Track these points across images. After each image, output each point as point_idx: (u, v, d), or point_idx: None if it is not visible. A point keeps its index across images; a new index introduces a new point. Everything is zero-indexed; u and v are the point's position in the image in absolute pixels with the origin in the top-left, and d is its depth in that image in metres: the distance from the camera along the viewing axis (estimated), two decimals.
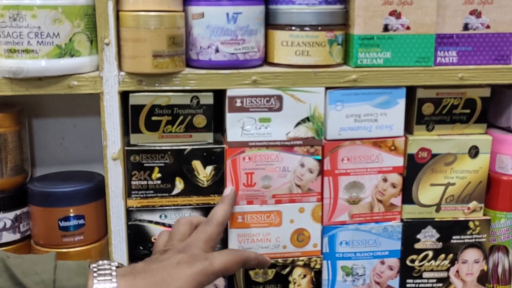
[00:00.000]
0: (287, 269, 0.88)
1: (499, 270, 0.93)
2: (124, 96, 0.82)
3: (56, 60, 0.76)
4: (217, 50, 0.80)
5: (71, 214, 0.83)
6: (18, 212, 0.86)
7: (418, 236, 0.90)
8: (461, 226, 0.90)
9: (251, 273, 0.87)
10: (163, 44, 0.76)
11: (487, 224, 0.91)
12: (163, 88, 0.80)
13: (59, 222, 0.83)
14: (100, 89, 0.79)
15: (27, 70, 0.75)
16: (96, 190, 0.85)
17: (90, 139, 1.01)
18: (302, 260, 0.88)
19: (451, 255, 0.91)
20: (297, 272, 0.88)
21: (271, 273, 0.87)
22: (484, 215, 0.91)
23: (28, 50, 0.75)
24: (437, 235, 0.90)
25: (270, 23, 0.83)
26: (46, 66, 0.76)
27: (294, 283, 0.88)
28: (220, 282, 0.87)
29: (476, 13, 0.84)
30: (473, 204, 0.90)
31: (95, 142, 0.99)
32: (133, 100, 0.81)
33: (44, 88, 0.78)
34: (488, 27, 0.85)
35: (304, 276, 0.88)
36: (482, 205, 0.91)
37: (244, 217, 0.85)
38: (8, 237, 0.85)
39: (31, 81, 0.77)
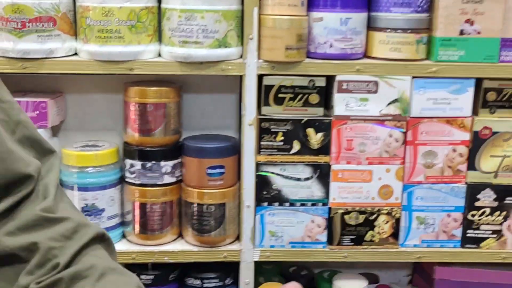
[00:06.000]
0: (374, 216, 1.14)
1: None
2: (258, 78, 1.09)
3: (214, 50, 1.04)
4: (331, 46, 1.06)
5: (216, 164, 1.11)
6: (175, 161, 1.15)
7: (479, 196, 1.14)
8: None
9: (346, 217, 1.14)
10: (293, 40, 1.03)
11: None
12: (289, 72, 1.07)
13: (207, 170, 1.11)
14: (243, 72, 1.07)
15: (194, 56, 1.04)
16: (233, 148, 1.13)
17: (225, 112, 1.26)
18: (386, 210, 1.14)
19: (504, 212, 1.14)
20: (382, 218, 1.14)
21: (361, 218, 1.14)
22: None
23: (196, 42, 1.03)
24: (494, 196, 1.13)
25: (371, 26, 1.09)
26: (207, 54, 1.04)
27: (379, 227, 1.14)
28: (322, 221, 1.14)
29: None
30: None
31: (228, 114, 1.25)
32: (266, 81, 1.08)
33: (204, 70, 1.06)
34: None
35: (387, 222, 1.14)
36: None
37: (343, 174, 1.12)
38: (168, 179, 1.14)
39: (195, 64, 1.06)
